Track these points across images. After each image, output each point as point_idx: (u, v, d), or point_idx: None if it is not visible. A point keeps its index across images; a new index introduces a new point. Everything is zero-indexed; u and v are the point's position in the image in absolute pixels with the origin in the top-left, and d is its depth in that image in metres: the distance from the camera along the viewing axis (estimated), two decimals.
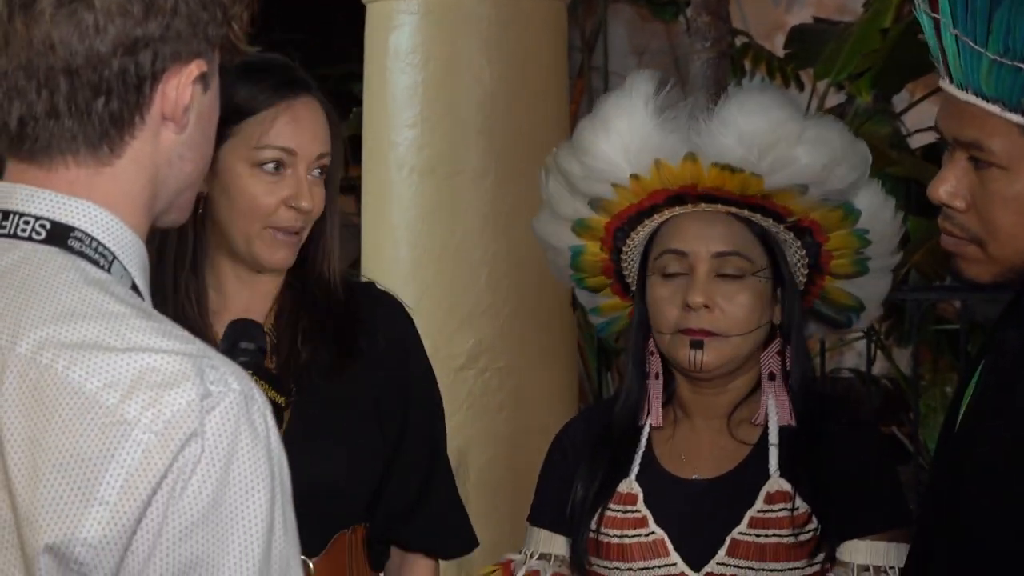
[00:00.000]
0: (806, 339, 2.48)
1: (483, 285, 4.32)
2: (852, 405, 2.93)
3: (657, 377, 2.41)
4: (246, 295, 2.32)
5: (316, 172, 2.28)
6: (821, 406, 2.39)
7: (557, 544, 2.43)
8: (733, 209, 2.34)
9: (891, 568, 2.29)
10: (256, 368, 1.95)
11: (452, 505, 2.46)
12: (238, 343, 2.00)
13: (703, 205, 2.35)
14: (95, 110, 1.38)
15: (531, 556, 2.45)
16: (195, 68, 1.41)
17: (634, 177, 2.35)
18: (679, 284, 2.34)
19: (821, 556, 2.30)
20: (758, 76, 6.46)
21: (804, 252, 2.38)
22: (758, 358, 2.38)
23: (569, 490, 2.40)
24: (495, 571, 2.47)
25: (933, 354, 5.92)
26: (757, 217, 2.34)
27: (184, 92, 1.41)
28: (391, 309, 2.41)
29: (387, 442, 2.34)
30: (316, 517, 2.23)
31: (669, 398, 2.43)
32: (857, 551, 2.31)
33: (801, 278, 2.40)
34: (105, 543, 1.26)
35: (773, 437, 2.35)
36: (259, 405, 1.32)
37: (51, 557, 1.27)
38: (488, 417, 4.33)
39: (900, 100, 6.66)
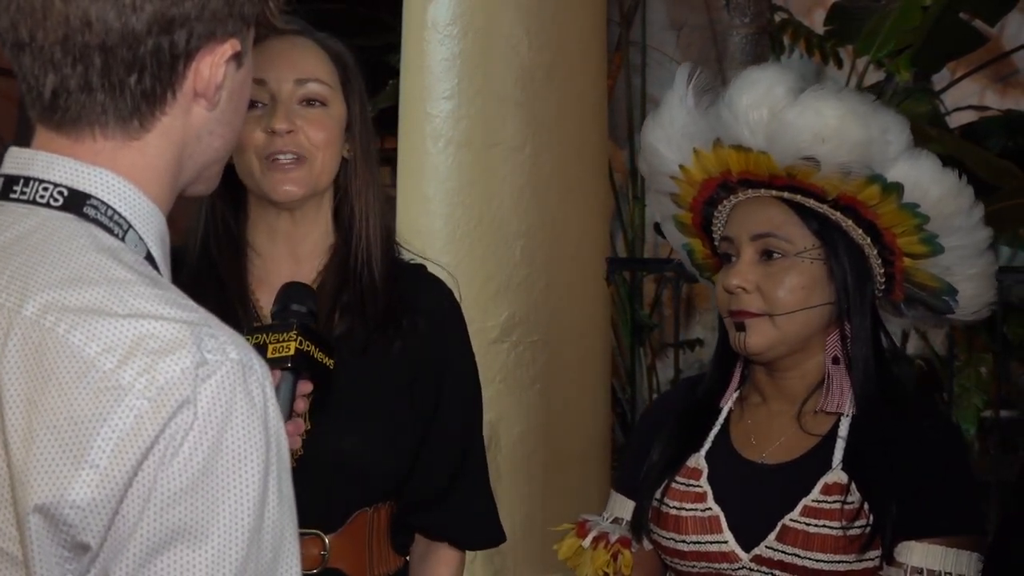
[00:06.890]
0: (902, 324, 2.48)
1: (518, 258, 4.32)
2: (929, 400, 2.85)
3: (738, 361, 2.43)
4: (288, 260, 2.33)
5: (310, 102, 2.28)
6: (883, 396, 2.34)
7: (630, 509, 2.47)
8: (775, 193, 2.34)
9: (948, 574, 2.25)
10: (305, 330, 1.94)
11: (482, 494, 2.44)
12: (289, 305, 2.00)
13: (749, 191, 2.36)
14: (128, 86, 1.39)
15: (607, 519, 2.49)
16: (229, 48, 1.43)
17: (682, 168, 2.40)
18: (729, 269, 2.36)
19: (874, 554, 2.27)
20: (796, 52, 6.45)
21: (862, 232, 2.34)
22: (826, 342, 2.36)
23: (647, 459, 2.44)
24: (571, 530, 2.51)
25: (968, 334, 5.88)
26: (798, 198, 2.33)
27: (217, 71, 1.42)
28: (436, 291, 2.40)
29: (419, 423, 2.32)
30: (337, 491, 2.24)
31: (744, 381, 2.44)
32: (912, 552, 2.27)
33: (874, 260, 2.36)
34: (94, 506, 1.27)
35: (843, 430, 2.33)
36: (258, 376, 1.33)
37: (41, 517, 1.28)
38: (521, 390, 4.33)
39: (940, 78, 6.62)
